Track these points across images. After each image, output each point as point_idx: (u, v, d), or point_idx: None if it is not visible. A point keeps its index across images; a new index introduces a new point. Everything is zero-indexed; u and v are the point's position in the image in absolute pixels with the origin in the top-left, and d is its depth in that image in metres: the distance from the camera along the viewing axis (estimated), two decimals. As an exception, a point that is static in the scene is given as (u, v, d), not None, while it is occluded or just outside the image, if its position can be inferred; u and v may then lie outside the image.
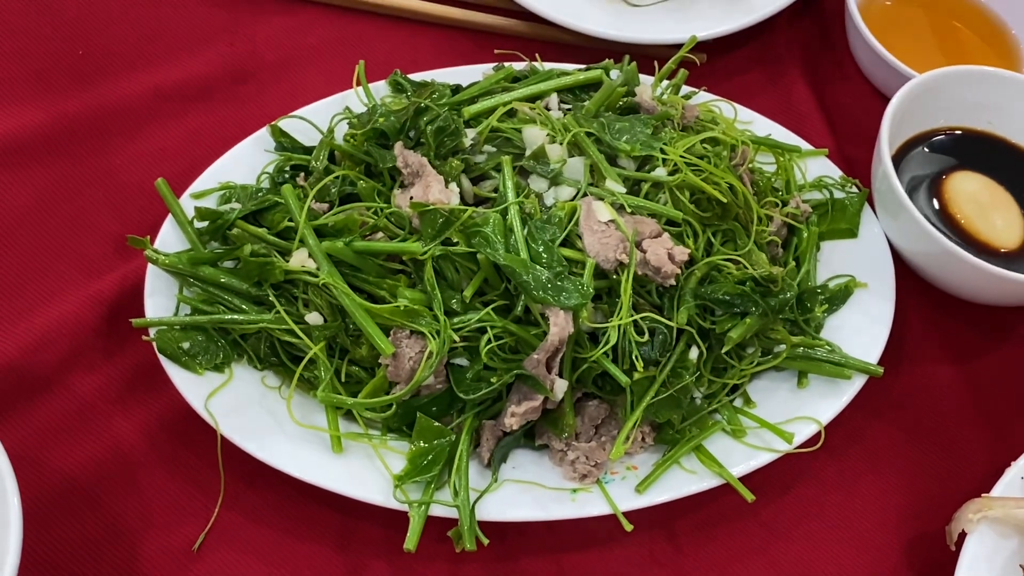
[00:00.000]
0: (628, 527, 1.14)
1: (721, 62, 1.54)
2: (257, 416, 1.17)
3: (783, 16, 1.56)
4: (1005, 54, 1.57)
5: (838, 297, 1.31)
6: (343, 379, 1.18)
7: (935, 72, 1.39)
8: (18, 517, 0.97)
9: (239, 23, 1.52)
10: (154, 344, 1.17)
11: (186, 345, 1.18)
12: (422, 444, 1.14)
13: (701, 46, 1.43)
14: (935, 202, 1.38)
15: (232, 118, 1.41)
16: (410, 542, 1.10)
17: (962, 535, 1.17)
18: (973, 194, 1.39)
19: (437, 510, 1.12)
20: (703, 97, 1.41)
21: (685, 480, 1.18)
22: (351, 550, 1.17)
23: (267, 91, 1.45)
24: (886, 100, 1.38)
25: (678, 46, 1.42)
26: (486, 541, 1.11)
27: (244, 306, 1.20)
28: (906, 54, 1.48)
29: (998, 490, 1.20)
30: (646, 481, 1.17)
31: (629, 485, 1.17)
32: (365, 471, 1.15)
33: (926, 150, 1.42)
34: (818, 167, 1.41)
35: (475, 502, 1.13)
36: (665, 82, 1.40)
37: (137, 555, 1.15)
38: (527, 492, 1.16)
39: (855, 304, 1.31)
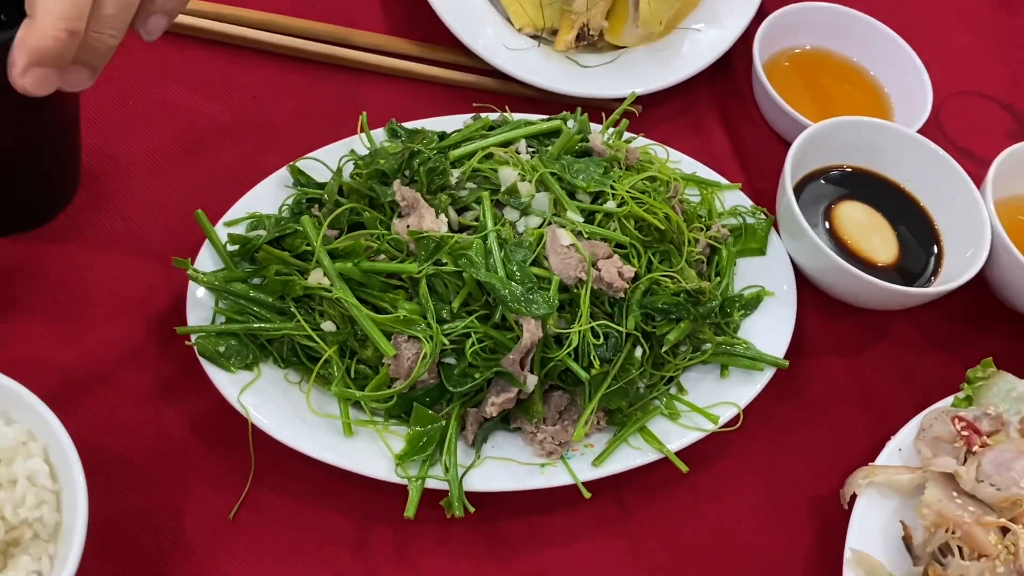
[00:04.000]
0: (587, 495, 1.13)
1: (654, 112, 1.53)
2: (281, 407, 1.14)
3: (703, 75, 1.55)
4: (879, 107, 1.58)
5: (751, 304, 1.31)
6: (352, 376, 1.16)
7: (828, 121, 1.40)
8: (83, 488, 0.97)
9: (260, 81, 1.47)
10: (195, 348, 1.14)
11: (221, 348, 1.15)
12: (418, 428, 1.13)
13: (637, 99, 1.42)
14: (827, 225, 1.38)
15: (257, 159, 1.36)
16: (409, 510, 1.09)
17: (853, 496, 1.18)
18: (857, 219, 1.40)
19: (431, 483, 1.11)
20: (641, 141, 1.40)
21: (632, 455, 1.17)
22: (360, 517, 1.15)
23: (285, 136, 1.41)
24: (786, 143, 1.39)
25: (620, 100, 1.41)
26: (472, 509, 1.10)
27: (270, 316, 1.17)
28: (802, 106, 1.48)
29: (880, 460, 1.21)
30: (601, 456, 1.16)
31: (587, 460, 1.16)
32: (371, 452, 1.13)
33: (820, 183, 1.42)
34: (733, 198, 1.41)
35: (462, 476, 1.12)
36: (611, 129, 1.38)
37: (182, 521, 1.12)
38: (505, 467, 1.14)
39: (765, 309, 1.31)
